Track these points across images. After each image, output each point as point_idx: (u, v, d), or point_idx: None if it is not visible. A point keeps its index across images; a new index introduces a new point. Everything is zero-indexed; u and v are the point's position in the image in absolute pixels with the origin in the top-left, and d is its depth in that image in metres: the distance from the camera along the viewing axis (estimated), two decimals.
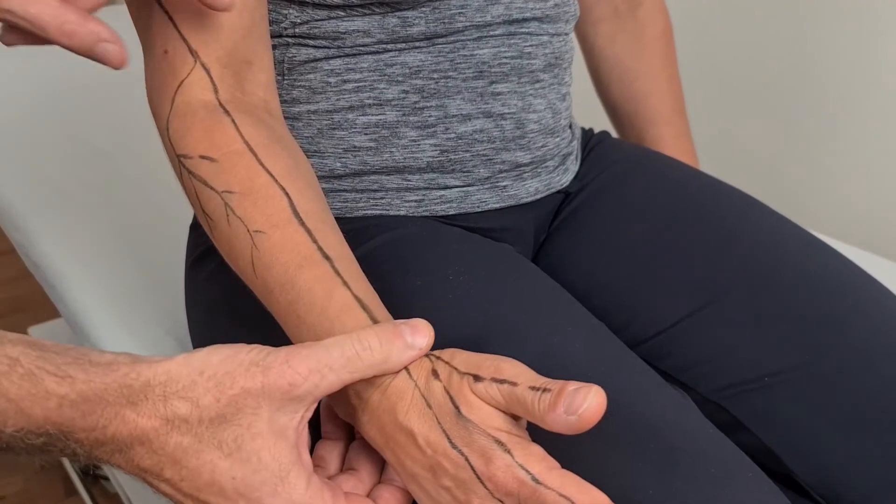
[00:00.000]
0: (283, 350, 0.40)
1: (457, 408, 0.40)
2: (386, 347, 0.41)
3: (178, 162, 0.49)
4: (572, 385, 0.38)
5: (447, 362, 0.42)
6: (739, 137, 1.20)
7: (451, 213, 0.60)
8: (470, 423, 0.39)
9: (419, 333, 0.41)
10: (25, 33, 0.42)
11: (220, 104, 0.49)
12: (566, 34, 0.65)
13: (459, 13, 0.57)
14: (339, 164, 0.59)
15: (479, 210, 0.61)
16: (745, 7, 1.16)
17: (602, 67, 0.81)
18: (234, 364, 0.39)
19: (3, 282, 1.86)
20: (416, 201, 0.60)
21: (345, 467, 0.45)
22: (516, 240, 0.64)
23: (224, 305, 0.59)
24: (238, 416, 0.38)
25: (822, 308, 0.56)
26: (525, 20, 0.60)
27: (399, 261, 0.55)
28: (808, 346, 0.55)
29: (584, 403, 0.37)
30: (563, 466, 0.39)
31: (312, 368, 0.39)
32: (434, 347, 0.45)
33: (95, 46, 0.43)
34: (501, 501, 0.38)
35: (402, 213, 0.60)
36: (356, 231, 0.57)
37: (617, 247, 0.64)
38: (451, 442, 0.39)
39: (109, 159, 1.11)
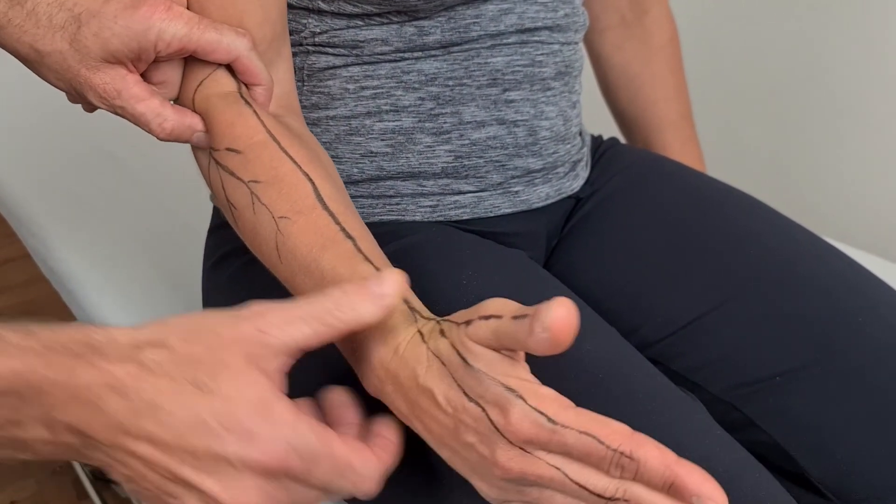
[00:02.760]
0: (261, 304, 0.40)
1: (463, 359, 0.39)
2: (355, 299, 0.40)
3: (209, 155, 0.50)
4: (544, 304, 0.36)
5: (450, 320, 0.42)
6: (746, 141, 1.21)
7: (464, 217, 0.62)
8: (479, 372, 0.38)
9: (387, 282, 0.40)
10: None
11: (242, 95, 0.51)
12: (576, 43, 0.66)
13: (474, 22, 0.58)
14: (356, 170, 0.60)
15: (492, 215, 0.62)
16: (751, 11, 1.17)
17: (610, 75, 0.82)
18: (207, 316, 0.39)
19: (15, 287, 1.87)
20: (430, 206, 0.61)
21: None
22: (528, 244, 0.65)
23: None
24: (212, 357, 0.37)
25: (833, 307, 0.57)
26: (536, 29, 0.61)
27: (413, 267, 0.56)
28: (819, 345, 0.56)
29: (548, 315, 0.36)
30: None
31: (285, 318, 0.39)
32: None
33: (191, 137, 0.51)
34: (524, 449, 0.37)
35: (417, 218, 0.61)
36: (374, 237, 0.58)
37: (627, 250, 0.65)
38: (467, 395, 0.39)
39: (124, 165, 1.13)
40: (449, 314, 0.51)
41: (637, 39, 0.81)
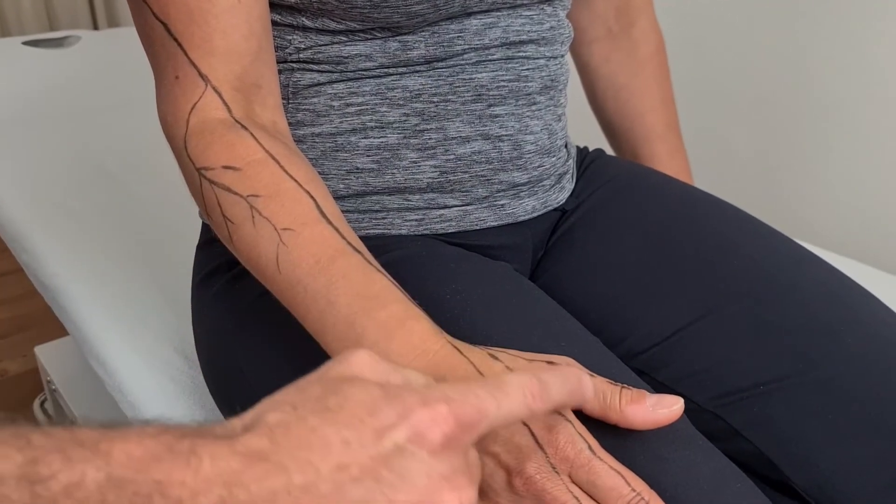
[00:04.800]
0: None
1: None
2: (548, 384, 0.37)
3: (199, 174, 0.51)
4: (667, 396, 0.44)
5: (503, 351, 0.44)
6: (732, 150, 1.21)
7: (450, 231, 0.62)
8: None
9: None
10: None
11: (236, 121, 0.52)
12: (561, 56, 0.67)
13: (458, 37, 0.59)
14: (342, 186, 0.61)
15: (478, 228, 0.63)
16: (737, 20, 1.18)
17: (597, 86, 0.83)
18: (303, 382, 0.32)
19: (8, 301, 1.87)
20: (416, 220, 0.62)
21: None
22: (514, 257, 0.65)
23: (230, 322, 0.61)
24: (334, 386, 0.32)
25: (815, 318, 0.58)
26: (522, 43, 0.62)
27: (400, 280, 0.56)
28: (802, 355, 0.57)
29: (675, 404, 0.43)
30: None
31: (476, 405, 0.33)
32: None
33: None
34: (554, 468, 0.40)
35: (403, 232, 0.61)
36: None
37: (613, 262, 0.65)
38: None
39: (116, 180, 1.13)
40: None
41: (624, 51, 0.81)
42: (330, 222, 0.48)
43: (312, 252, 0.47)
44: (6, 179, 1.13)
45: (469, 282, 0.56)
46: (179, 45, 0.52)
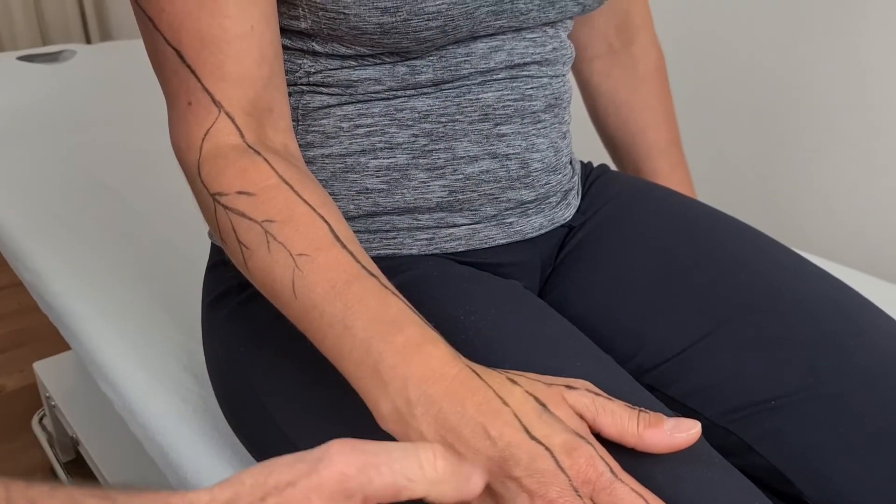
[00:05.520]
0: (334, 444, 0.36)
1: (543, 405, 0.43)
2: (449, 474, 0.36)
3: (213, 200, 0.51)
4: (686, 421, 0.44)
5: (522, 375, 0.45)
6: (733, 163, 1.22)
7: (460, 250, 0.63)
8: (554, 419, 0.42)
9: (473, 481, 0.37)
10: None
11: (249, 146, 0.52)
12: (564, 75, 0.67)
13: (465, 61, 0.59)
14: (352, 206, 0.61)
15: (487, 246, 0.63)
16: (734, 36, 1.19)
17: (599, 102, 0.84)
18: (275, 463, 0.35)
19: (6, 316, 1.87)
20: (426, 240, 0.62)
21: None
22: (523, 274, 0.66)
23: (243, 345, 0.61)
24: None
25: (824, 331, 0.59)
26: (525, 64, 0.62)
27: (413, 301, 0.57)
28: (812, 369, 0.57)
29: (693, 428, 0.43)
30: None
31: (368, 463, 0.36)
32: None
33: None
34: (577, 490, 0.40)
35: (413, 251, 0.62)
36: None
37: (621, 277, 0.66)
38: (529, 434, 0.41)
39: (118, 197, 1.13)
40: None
41: (624, 67, 0.82)
42: (344, 246, 0.48)
43: (328, 277, 0.47)
44: (8, 197, 1.13)
45: (482, 302, 0.57)
46: (192, 71, 0.52)
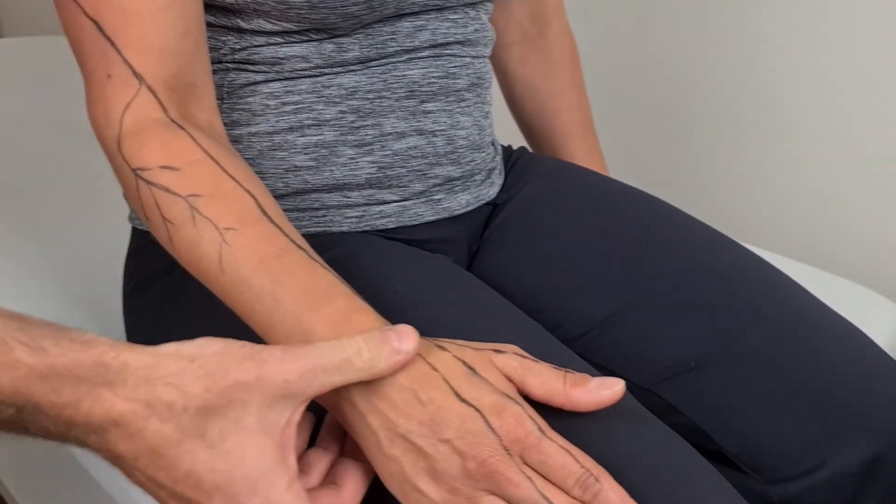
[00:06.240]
0: (279, 347, 0.41)
1: (472, 369, 0.43)
2: (375, 352, 0.41)
3: (135, 176, 0.50)
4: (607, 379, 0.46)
5: (451, 342, 0.45)
6: (640, 148, 1.27)
7: (390, 227, 0.63)
8: (483, 382, 0.43)
9: (406, 338, 0.42)
10: None
11: (172, 120, 0.51)
12: (485, 57, 0.69)
13: (391, 38, 0.60)
14: (281, 185, 0.61)
15: (416, 223, 0.64)
16: (641, 25, 1.24)
17: (516, 88, 0.86)
18: (227, 356, 0.39)
19: None
20: (356, 217, 0.62)
21: (327, 481, 0.44)
22: (451, 251, 0.67)
23: (177, 323, 0.59)
24: (226, 409, 0.38)
25: (736, 296, 0.62)
26: (448, 44, 0.64)
27: (344, 276, 0.57)
28: (726, 331, 0.60)
29: (617, 385, 0.45)
30: None
31: (307, 368, 0.40)
32: None
33: None
34: (507, 449, 0.41)
35: (343, 229, 0.62)
36: None
37: (545, 252, 0.68)
38: (459, 397, 0.42)
39: (20, 192, 1.08)
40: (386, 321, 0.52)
41: (539, 53, 0.84)
42: (272, 220, 0.48)
43: (256, 250, 0.47)
44: None
45: (413, 275, 0.57)
46: (112, 43, 0.51)
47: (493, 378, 0.43)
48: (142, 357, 0.37)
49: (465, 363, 0.44)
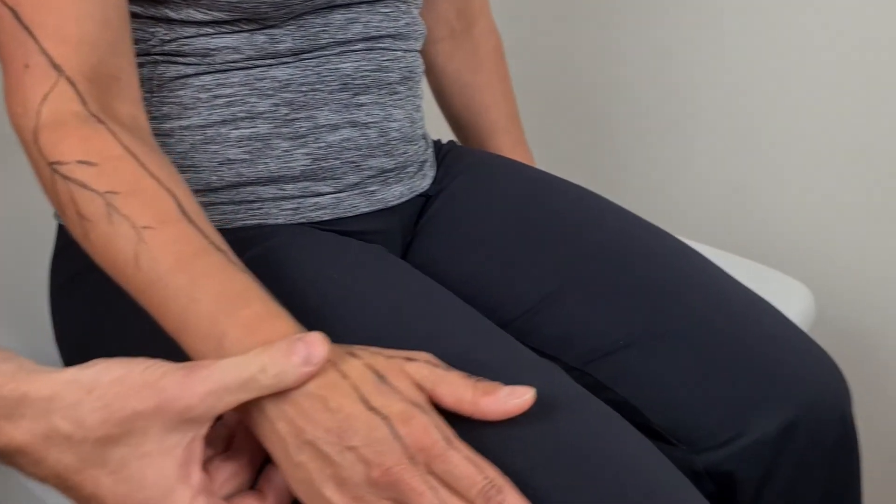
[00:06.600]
0: (180, 371, 0.39)
1: (382, 377, 0.43)
2: (282, 367, 0.41)
3: (51, 169, 0.48)
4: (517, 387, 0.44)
5: (363, 349, 0.45)
6: (560, 142, 1.31)
7: (325, 218, 0.64)
8: (391, 390, 0.42)
9: (315, 349, 0.42)
10: None
11: (92, 114, 0.50)
12: (416, 51, 0.70)
13: (323, 30, 0.61)
14: (215, 178, 0.61)
15: (352, 214, 0.65)
16: (560, 23, 1.28)
17: (444, 83, 0.88)
18: (125, 385, 0.38)
19: None
20: (292, 209, 0.63)
21: (256, 486, 0.44)
22: (385, 242, 0.68)
23: (110, 319, 0.59)
24: (126, 437, 0.38)
25: (659, 278, 0.65)
26: (381, 37, 0.65)
27: (280, 266, 0.57)
28: (650, 312, 0.63)
29: (527, 393, 0.44)
30: None
31: (209, 391, 0.39)
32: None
33: None
34: (412, 458, 0.40)
35: (280, 221, 0.62)
36: (237, 241, 0.59)
37: (477, 241, 0.70)
38: (367, 405, 0.41)
39: None
40: (326, 307, 0.53)
41: (466, 50, 0.86)
42: (192, 220, 0.48)
43: (174, 250, 0.46)
44: None
45: (350, 263, 0.58)
46: (30, 32, 0.50)
47: (402, 386, 0.43)
48: (41, 388, 0.38)
49: (375, 371, 0.43)
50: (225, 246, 0.48)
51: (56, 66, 0.50)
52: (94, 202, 0.47)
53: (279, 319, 0.45)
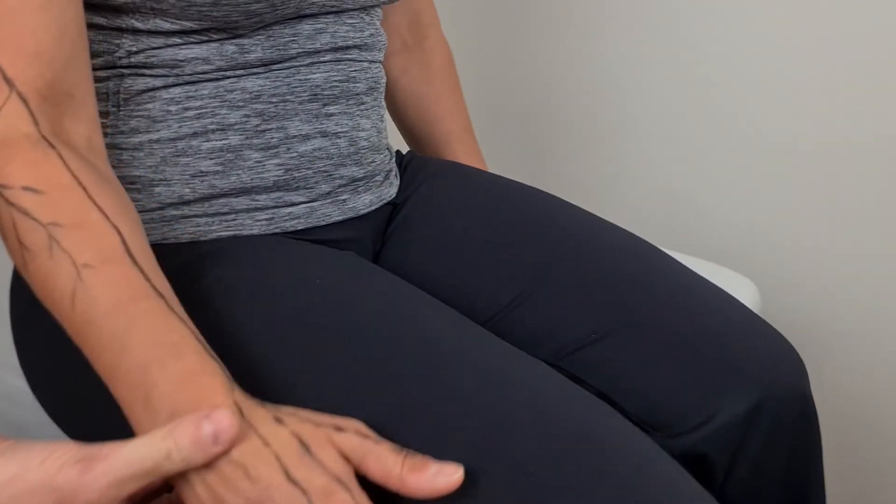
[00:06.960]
0: (78, 465, 0.38)
1: (306, 447, 0.41)
2: (188, 452, 0.40)
3: None
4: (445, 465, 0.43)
5: (293, 414, 0.43)
6: (514, 149, 1.34)
7: (299, 228, 0.64)
8: (315, 463, 0.41)
9: (223, 425, 0.40)
10: None
11: (44, 137, 0.48)
12: (380, 62, 0.72)
13: (292, 40, 0.61)
14: (187, 190, 0.60)
15: (325, 223, 0.65)
16: (507, 36, 1.31)
17: (398, 95, 0.89)
18: (21, 485, 0.37)
19: None
20: (266, 220, 0.63)
21: None
22: (358, 250, 0.68)
23: (71, 366, 0.56)
24: None
25: (626, 273, 0.67)
26: (348, 48, 0.66)
27: (254, 274, 0.57)
28: (620, 305, 0.66)
29: (455, 473, 0.42)
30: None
31: (110, 483, 0.38)
32: (307, 343, 0.49)
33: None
34: None
35: (254, 231, 0.62)
36: (212, 254, 0.59)
37: (446, 245, 0.71)
38: (288, 477, 0.40)
39: None
40: (304, 311, 0.53)
41: (419, 62, 0.88)
42: (135, 262, 0.46)
43: (112, 292, 0.45)
44: None
45: (330, 267, 0.59)
46: None
47: (328, 458, 0.42)
48: None
49: (300, 440, 0.42)
50: (167, 290, 0.47)
51: (8, 81, 0.49)
52: (37, 233, 0.46)
53: (211, 377, 0.44)
